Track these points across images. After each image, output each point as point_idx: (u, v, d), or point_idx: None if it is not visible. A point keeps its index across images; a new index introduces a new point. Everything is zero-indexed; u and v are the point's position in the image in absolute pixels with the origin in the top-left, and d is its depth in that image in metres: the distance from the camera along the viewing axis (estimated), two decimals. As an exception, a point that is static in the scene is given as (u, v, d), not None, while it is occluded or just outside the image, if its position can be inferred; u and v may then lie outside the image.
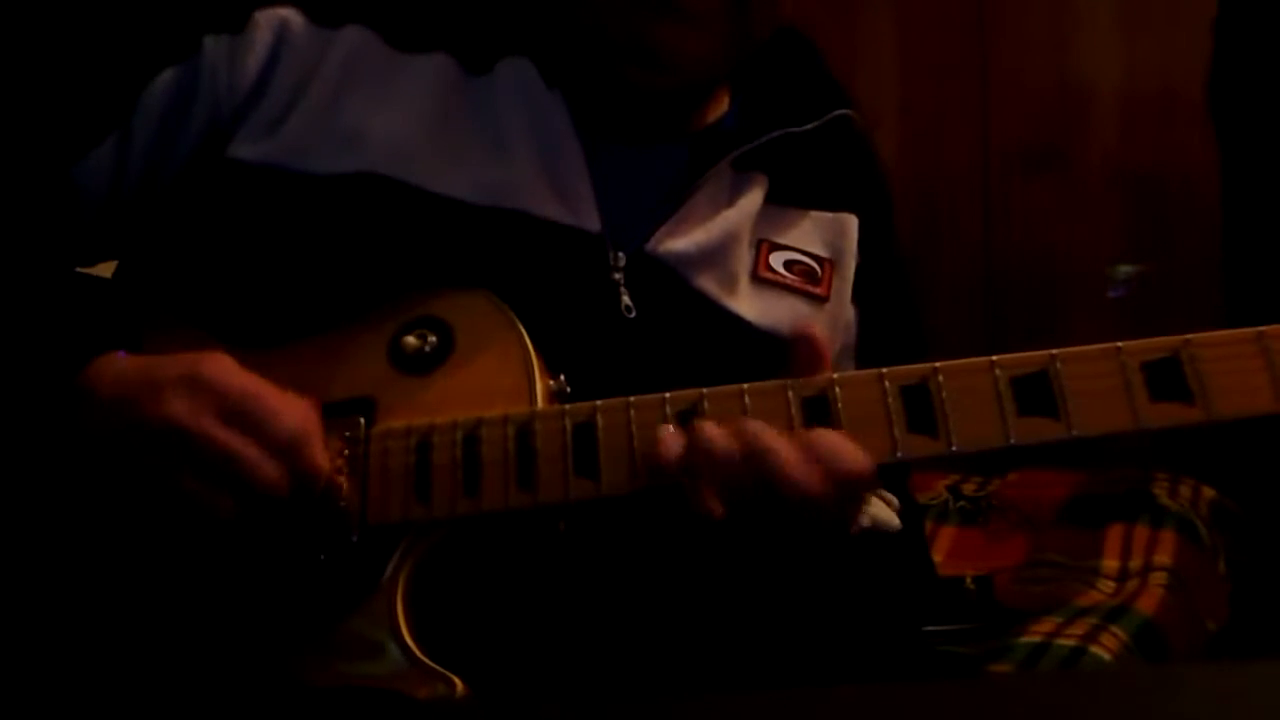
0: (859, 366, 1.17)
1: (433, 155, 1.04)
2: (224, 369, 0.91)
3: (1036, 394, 0.89)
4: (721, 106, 1.17)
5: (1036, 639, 1.82)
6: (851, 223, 1.17)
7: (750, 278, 1.12)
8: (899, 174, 3.02)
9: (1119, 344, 0.89)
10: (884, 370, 0.90)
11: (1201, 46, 2.06)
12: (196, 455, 0.89)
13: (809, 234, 1.15)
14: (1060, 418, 0.88)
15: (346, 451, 0.94)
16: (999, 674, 1.66)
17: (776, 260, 1.13)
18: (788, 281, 1.13)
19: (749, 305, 1.11)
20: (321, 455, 0.91)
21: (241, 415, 0.89)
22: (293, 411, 0.90)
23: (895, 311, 1.22)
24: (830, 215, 1.17)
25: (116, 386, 0.92)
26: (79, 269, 1.12)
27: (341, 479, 0.94)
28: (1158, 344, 0.89)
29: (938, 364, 0.90)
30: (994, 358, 0.90)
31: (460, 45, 1.08)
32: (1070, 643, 1.80)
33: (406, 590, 0.91)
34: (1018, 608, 1.96)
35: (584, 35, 1.06)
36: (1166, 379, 0.88)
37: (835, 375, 0.91)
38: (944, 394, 0.89)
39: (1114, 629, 1.85)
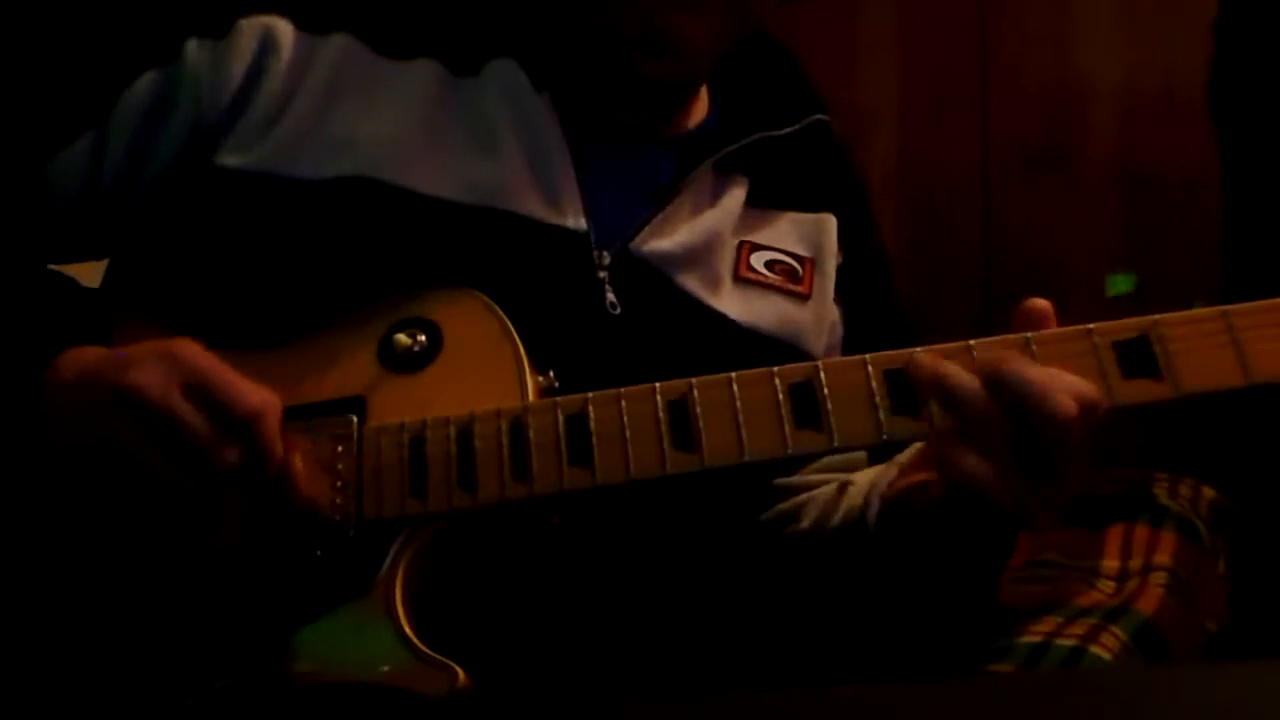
0: None
1: (421, 157, 1.05)
2: (193, 347, 0.92)
3: None
4: (702, 110, 1.18)
5: (1036, 639, 1.82)
6: (830, 222, 1.18)
7: (732, 278, 1.13)
8: (898, 174, 3.03)
9: (1090, 325, 0.91)
10: (867, 356, 0.91)
11: (1201, 47, 2.06)
12: (155, 426, 0.89)
13: (789, 234, 1.17)
14: None
15: (340, 448, 0.95)
16: (999, 674, 1.66)
17: (757, 260, 1.14)
18: (769, 281, 1.14)
19: (732, 304, 1.12)
20: (276, 438, 0.91)
21: (203, 390, 0.90)
22: (254, 393, 0.91)
23: (879, 309, 1.23)
24: (809, 215, 1.18)
25: (80, 370, 0.93)
26: (52, 266, 1.13)
27: (323, 474, 0.94)
28: (1128, 324, 0.91)
29: (918, 349, 0.91)
30: (971, 341, 0.91)
31: (446, 50, 1.08)
32: (1070, 643, 1.80)
33: (405, 583, 0.91)
34: (1018, 608, 1.96)
35: (595, 29, 1.07)
36: (1137, 357, 0.90)
37: (820, 361, 0.93)
38: None
39: (1114, 629, 1.85)
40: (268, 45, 1.06)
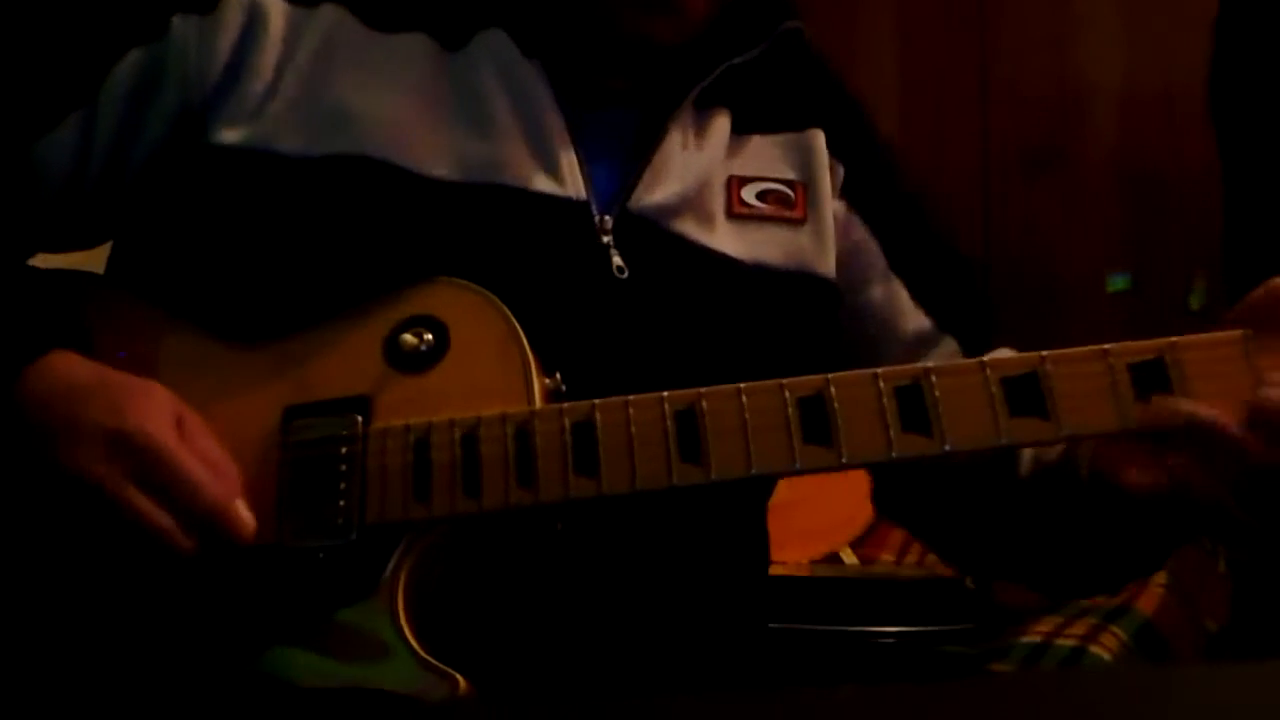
0: (892, 267, 1.17)
1: (417, 136, 1.04)
2: (149, 426, 0.90)
3: (1026, 395, 0.90)
4: None
5: (1036, 639, 1.82)
6: (818, 137, 1.16)
7: (726, 215, 1.11)
8: (899, 174, 3.02)
9: (1106, 346, 0.90)
10: (879, 370, 0.91)
11: (1201, 46, 2.05)
12: (112, 512, 0.89)
13: (776, 160, 1.15)
14: (1050, 418, 0.89)
15: (345, 449, 0.94)
16: (999, 674, 1.66)
17: (749, 194, 1.13)
18: (763, 212, 1.13)
19: (732, 243, 1.10)
20: (240, 521, 0.91)
21: (158, 482, 0.89)
22: (208, 482, 0.90)
23: (905, 206, 1.21)
24: (795, 135, 1.16)
25: (42, 409, 0.92)
26: (44, 253, 1.12)
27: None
28: (1143, 346, 0.90)
29: (930, 365, 0.91)
30: (984, 358, 0.90)
31: (435, 22, 1.08)
32: (1070, 643, 1.80)
33: (407, 588, 0.91)
34: (1018, 608, 1.96)
35: None
36: (1153, 380, 0.89)
37: (830, 375, 0.91)
38: (936, 394, 0.90)
39: (1114, 629, 1.85)
40: (255, 18, 1.05)
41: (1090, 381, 0.90)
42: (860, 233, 1.17)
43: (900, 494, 1.22)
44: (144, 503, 0.89)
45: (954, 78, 3.04)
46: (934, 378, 0.90)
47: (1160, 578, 2.04)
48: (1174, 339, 0.90)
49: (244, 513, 0.91)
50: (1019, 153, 3.00)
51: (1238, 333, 0.90)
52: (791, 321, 1.11)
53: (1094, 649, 1.79)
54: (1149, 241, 2.89)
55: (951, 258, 1.23)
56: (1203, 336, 0.90)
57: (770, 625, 1.15)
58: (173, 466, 0.90)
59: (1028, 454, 1.09)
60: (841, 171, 1.17)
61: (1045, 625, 1.86)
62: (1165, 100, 2.87)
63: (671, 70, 1.12)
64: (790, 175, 1.15)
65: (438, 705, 0.86)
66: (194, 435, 0.92)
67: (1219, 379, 0.89)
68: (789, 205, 1.14)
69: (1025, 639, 1.83)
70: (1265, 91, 1.91)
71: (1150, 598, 1.97)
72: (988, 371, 0.90)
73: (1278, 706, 0.63)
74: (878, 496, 1.23)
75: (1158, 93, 2.89)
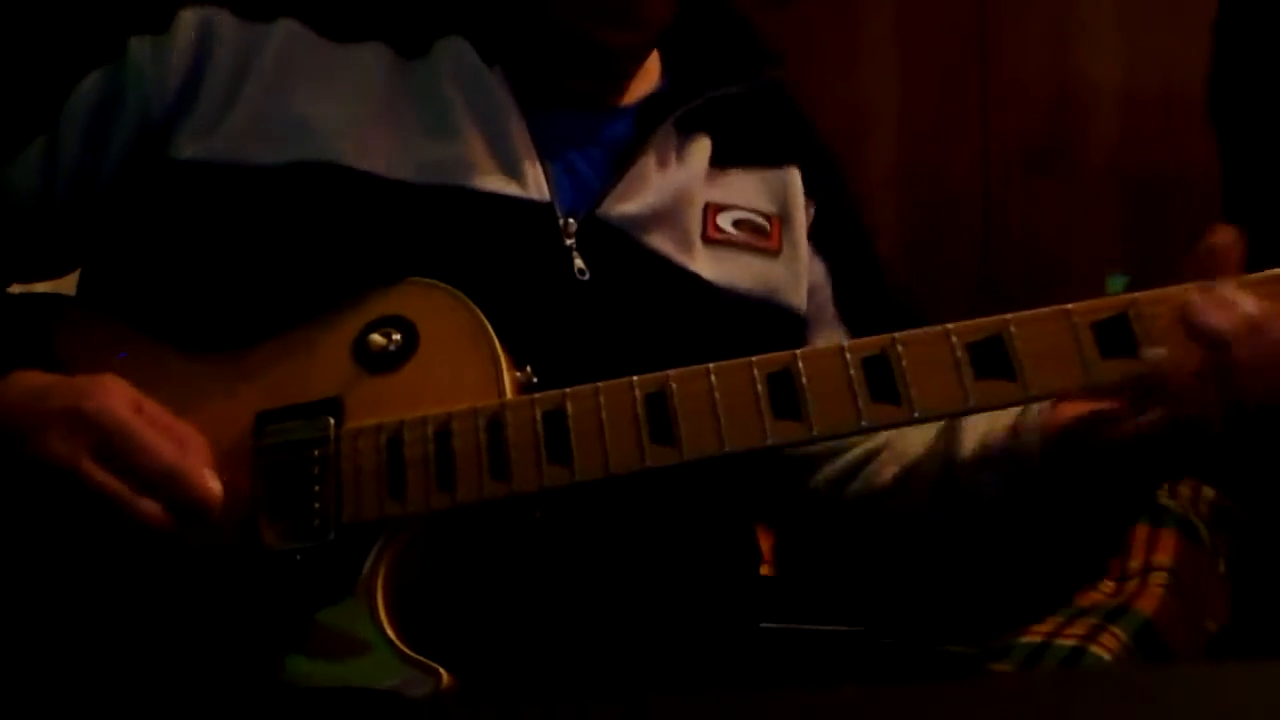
0: (840, 315, 1.19)
1: (377, 140, 1.05)
2: (107, 403, 0.91)
3: (992, 358, 0.90)
4: (654, 76, 1.18)
5: (1036, 639, 1.82)
6: (794, 175, 1.18)
7: (702, 239, 1.12)
8: (898, 175, 3.03)
9: (1069, 306, 0.91)
10: (845, 343, 0.91)
11: (1201, 46, 2.05)
12: (78, 493, 0.90)
13: (754, 191, 1.17)
14: (1016, 380, 0.90)
15: (318, 451, 0.95)
16: (999, 674, 1.66)
17: (724, 220, 1.14)
18: (738, 240, 1.14)
19: (705, 265, 1.12)
20: (203, 484, 0.91)
21: (116, 453, 0.90)
22: (167, 447, 0.91)
23: (862, 256, 1.23)
24: (773, 171, 1.18)
25: (8, 414, 0.93)
26: (17, 283, 1.12)
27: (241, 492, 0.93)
28: (1106, 304, 0.91)
29: (896, 334, 0.91)
30: (949, 325, 0.91)
31: (394, 32, 1.09)
32: (1070, 643, 1.80)
33: (387, 585, 0.91)
34: (1018, 608, 1.96)
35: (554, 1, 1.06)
36: (1116, 336, 0.90)
37: (798, 350, 0.92)
38: (904, 363, 0.90)
39: (1114, 629, 1.85)
40: (209, 35, 1.06)
41: (1054, 340, 0.90)
42: (819, 275, 1.19)
43: (809, 543, 1.22)
44: (100, 473, 0.90)
45: (954, 78, 3.03)
46: (900, 347, 0.91)
47: (1160, 578, 2.04)
48: (1135, 295, 0.91)
49: (207, 475, 0.91)
50: (1019, 153, 3.00)
51: (1195, 285, 0.91)
52: (753, 347, 1.12)
53: (1094, 649, 1.79)
54: (1149, 241, 2.89)
55: (898, 314, 1.23)
56: (1162, 291, 0.91)
57: (762, 625, 1.16)
58: (127, 434, 0.90)
59: (971, 435, 1.09)
60: (813, 211, 1.18)
61: (1045, 625, 1.86)
62: (1165, 100, 2.87)
63: (656, 93, 1.14)
64: (767, 208, 1.17)
65: (421, 700, 0.86)
66: (154, 415, 0.93)
67: (1181, 332, 0.90)
68: (764, 235, 1.15)
69: (1025, 639, 1.83)
70: (1265, 92, 1.92)
71: (1150, 598, 1.97)
72: (953, 338, 0.90)
73: (1278, 706, 0.63)
74: (778, 555, 1.24)
75: (1158, 93, 2.89)
